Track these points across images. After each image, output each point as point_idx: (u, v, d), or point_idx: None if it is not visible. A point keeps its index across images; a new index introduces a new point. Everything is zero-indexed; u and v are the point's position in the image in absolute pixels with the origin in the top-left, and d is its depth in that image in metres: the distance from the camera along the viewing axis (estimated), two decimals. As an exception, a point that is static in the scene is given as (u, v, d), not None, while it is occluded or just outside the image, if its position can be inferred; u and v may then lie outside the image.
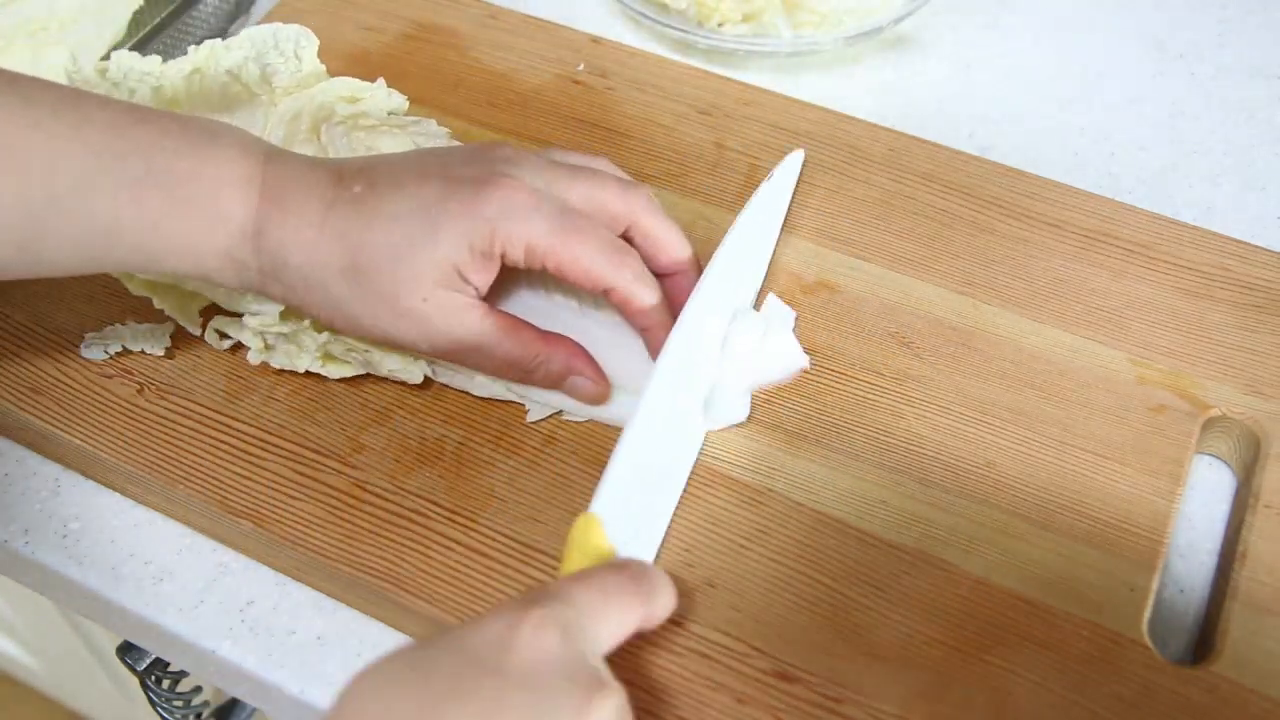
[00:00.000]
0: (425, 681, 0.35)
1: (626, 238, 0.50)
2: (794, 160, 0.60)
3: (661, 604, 0.43)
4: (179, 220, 0.46)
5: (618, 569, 0.42)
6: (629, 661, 0.44)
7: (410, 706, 0.34)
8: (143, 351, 0.54)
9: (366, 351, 0.52)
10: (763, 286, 0.56)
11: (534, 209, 0.47)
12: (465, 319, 0.48)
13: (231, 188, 0.47)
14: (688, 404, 0.51)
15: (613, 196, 0.49)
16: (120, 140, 0.46)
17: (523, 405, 0.52)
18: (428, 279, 0.47)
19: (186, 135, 0.47)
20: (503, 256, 0.48)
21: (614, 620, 0.40)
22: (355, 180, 0.48)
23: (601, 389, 0.51)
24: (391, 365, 0.52)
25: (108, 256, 0.47)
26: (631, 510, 0.46)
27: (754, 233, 0.56)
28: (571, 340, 0.52)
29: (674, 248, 0.51)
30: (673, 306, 0.51)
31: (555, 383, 0.51)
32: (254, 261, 0.47)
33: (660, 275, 0.51)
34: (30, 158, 0.44)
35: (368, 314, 0.48)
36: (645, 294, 0.49)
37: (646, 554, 0.47)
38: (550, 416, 0.52)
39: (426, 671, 0.35)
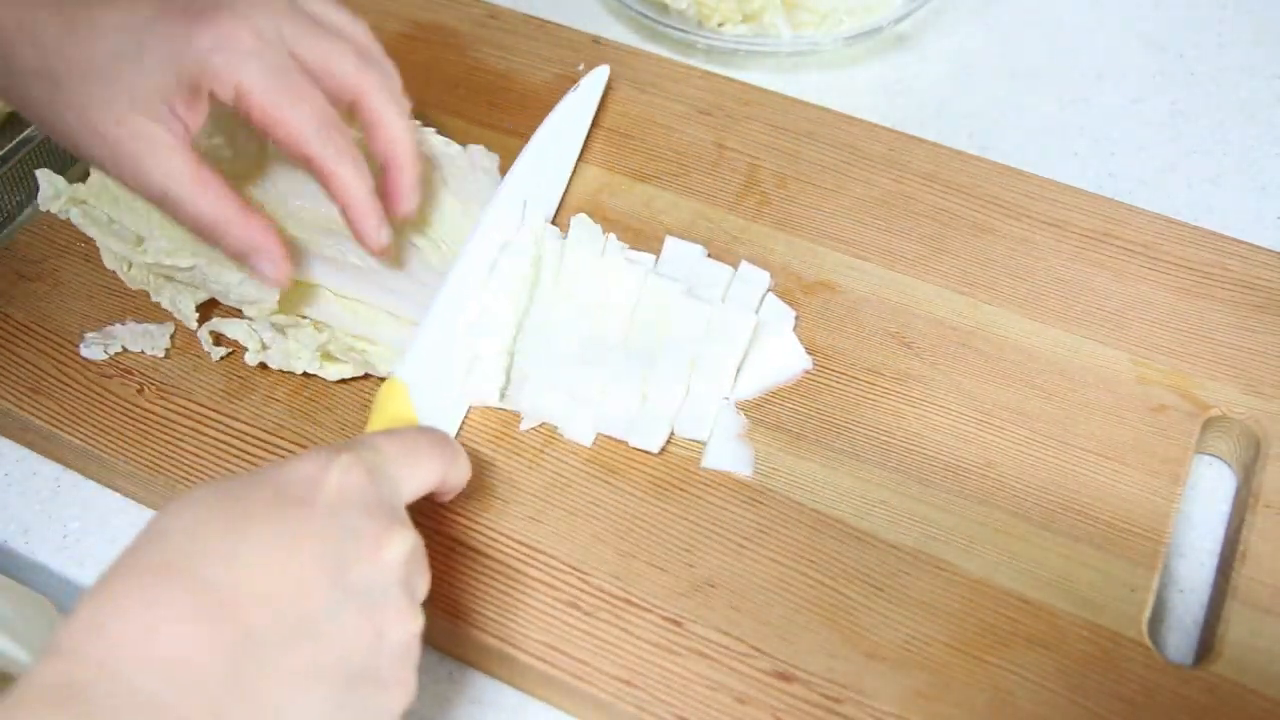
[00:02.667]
0: (235, 504, 0.36)
1: (355, 114, 0.49)
2: (598, 76, 0.57)
3: (460, 470, 0.44)
4: None
5: (422, 429, 0.44)
6: (625, 657, 0.44)
7: (218, 524, 0.35)
8: (142, 351, 0.54)
9: (364, 351, 0.52)
10: (560, 205, 0.57)
11: (252, 53, 0.44)
12: (159, 157, 0.45)
13: None
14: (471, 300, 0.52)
15: (347, 65, 0.47)
16: None
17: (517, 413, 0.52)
18: (124, 100, 0.44)
19: None
20: (211, 96, 0.45)
21: (417, 472, 0.42)
22: None
23: (280, 276, 0.48)
24: (390, 367, 0.52)
25: None
26: (434, 385, 0.48)
27: (553, 149, 0.55)
28: (270, 221, 0.48)
29: (393, 134, 0.49)
30: (384, 199, 0.49)
31: (240, 256, 0.48)
32: None
33: (382, 167, 0.49)
34: None
35: (59, 124, 0.45)
36: (348, 171, 0.47)
37: (447, 429, 0.49)
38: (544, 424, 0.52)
39: (238, 497, 0.36)
